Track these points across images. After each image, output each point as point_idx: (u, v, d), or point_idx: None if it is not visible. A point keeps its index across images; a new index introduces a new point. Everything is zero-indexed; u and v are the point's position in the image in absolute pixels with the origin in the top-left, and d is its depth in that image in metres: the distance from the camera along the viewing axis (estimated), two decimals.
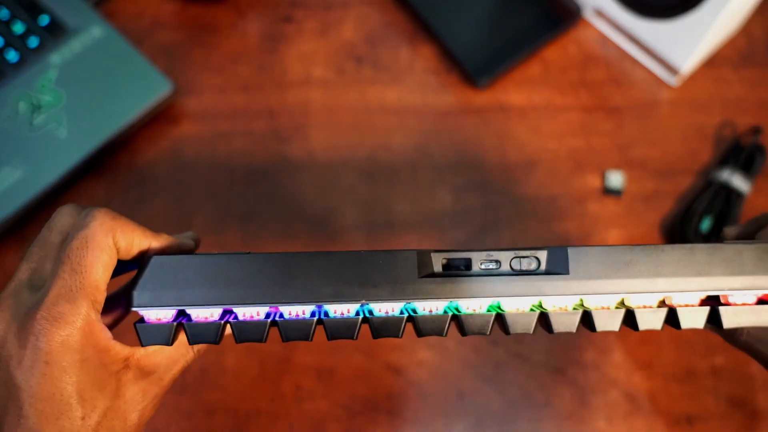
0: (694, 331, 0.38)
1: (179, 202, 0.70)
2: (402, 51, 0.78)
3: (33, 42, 0.71)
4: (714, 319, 0.38)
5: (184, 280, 0.36)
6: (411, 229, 0.70)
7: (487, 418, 0.62)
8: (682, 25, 0.71)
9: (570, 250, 0.37)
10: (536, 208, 0.70)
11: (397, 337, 0.37)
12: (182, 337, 0.37)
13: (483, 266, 0.38)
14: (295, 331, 0.36)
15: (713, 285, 0.37)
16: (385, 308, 0.37)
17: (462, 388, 0.63)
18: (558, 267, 0.37)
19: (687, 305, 0.39)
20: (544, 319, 0.38)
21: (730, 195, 0.68)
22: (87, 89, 0.70)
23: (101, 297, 0.35)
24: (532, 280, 0.37)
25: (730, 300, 0.39)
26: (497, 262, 0.38)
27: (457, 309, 0.37)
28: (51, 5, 0.73)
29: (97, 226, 0.35)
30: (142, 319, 0.37)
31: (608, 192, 0.71)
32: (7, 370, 0.33)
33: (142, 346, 0.36)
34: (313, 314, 0.37)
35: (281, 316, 0.37)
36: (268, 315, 0.37)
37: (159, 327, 0.36)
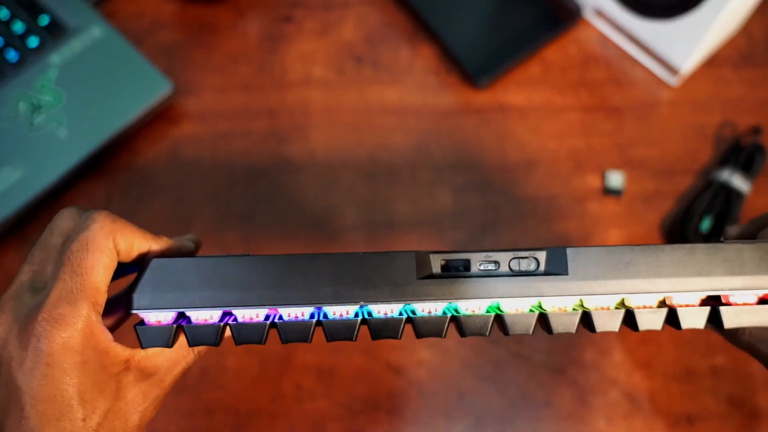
0: (694, 331, 0.38)
1: (179, 202, 0.70)
2: (402, 51, 0.78)
3: (33, 42, 0.71)
4: (715, 319, 0.38)
5: (184, 283, 0.36)
6: (411, 229, 0.70)
7: (487, 418, 0.62)
8: (682, 25, 0.71)
9: (569, 251, 0.37)
10: (536, 208, 0.70)
11: (396, 338, 0.37)
12: (183, 338, 0.37)
13: (482, 267, 0.38)
14: (294, 333, 0.36)
15: (714, 285, 0.37)
16: (384, 310, 0.37)
17: (462, 388, 0.63)
18: (557, 268, 0.37)
19: (687, 305, 0.38)
20: (543, 319, 0.38)
21: (730, 195, 0.68)
22: (87, 89, 0.70)
23: (102, 299, 0.35)
24: (531, 281, 0.37)
25: (731, 300, 0.38)
26: (496, 263, 0.38)
27: (456, 310, 0.37)
28: (51, 5, 0.73)
29: (97, 229, 0.35)
30: (142, 322, 0.37)
31: (608, 192, 0.71)
32: (9, 371, 0.33)
33: (142, 348, 0.36)
34: (312, 316, 0.37)
35: (280, 317, 0.37)
36: (267, 317, 0.37)
37: (159, 329, 0.36)
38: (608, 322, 0.38)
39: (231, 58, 0.77)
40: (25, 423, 0.32)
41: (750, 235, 0.44)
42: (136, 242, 0.37)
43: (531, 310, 0.38)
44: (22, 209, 0.66)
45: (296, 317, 0.37)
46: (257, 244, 0.69)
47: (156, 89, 0.71)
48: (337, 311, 0.37)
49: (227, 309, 0.36)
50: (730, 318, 0.38)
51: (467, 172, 0.72)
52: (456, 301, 0.37)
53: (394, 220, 0.70)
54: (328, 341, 0.37)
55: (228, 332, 0.37)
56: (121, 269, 0.38)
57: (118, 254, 0.36)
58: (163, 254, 0.39)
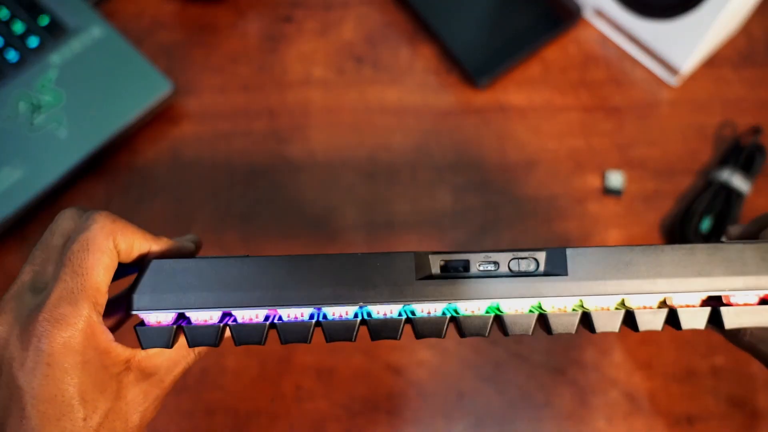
0: (694, 331, 0.38)
1: (179, 202, 0.70)
2: (402, 51, 0.78)
3: (33, 42, 0.71)
4: (715, 320, 0.38)
5: (184, 284, 0.36)
6: (411, 229, 0.70)
7: (487, 418, 0.62)
8: (682, 25, 0.71)
9: (569, 251, 0.37)
10: (536, 208, 0.70)
11: (396, 339, 0.37)
12: (183, 339, 0.37)
13: (481, 268, 0.38)
14: (293, 334, 0.37)
15: (714, 285, 0.37)
16: (383, 310, 0.37)
17: (462, 388, 0.63)
18: (556, 268, 0.37)
19: (688, 306, 0.38)
20: (543, 320, 0.37)
21: (730, 195, 0.68)
22: (87, 89, 0.70)
23: (102, 299, 0.35)
24: (530, 282, 0.37)
25: (732, 300, 0.38)
26: (495, 263, 0.38)
27: (455, 311, 0.37)
28: (51, 5, 0.73)
29: (97, 229, 0.35)
30: (142, 322, 0.37)
31: (608, 192, 0.71)
32: (10, 371, 0.33)
33: (143, 348, 0.37)
34: (311, 316, 0.37)
35: (280, 318, 0.37)
36: (266, 318, 0.37)
37: (159, 330, 0.36)
38: (608, 322, 0.38)
39: (231, 58, 0.77)
40: (26, 423, 0.32)
41: (752, 235, 0.44)
42: (136, 243, 0.37)
43: (531, 311, 0.38)
44: (22, 209, 0.66)
45: (296, 318, 0.37)
46: (257, 244, 0.69)
47: (156, 89, 0.71)
48: (337, 312, 0.37)
49: (227, 310, 0.36)
50: (731, 318, 0.38)
51: (467, 172, 0.72)
52: (455, 301, 0.37)
53: (394, 220, 0.70)
54: (327, 342, 0.37)
55: (228, 333, 0.37)
56: (122, 270, 0.38)
57: (118, 254, 0.36)
58: (163, 255, 0.39)
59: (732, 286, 0.37)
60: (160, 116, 0.74)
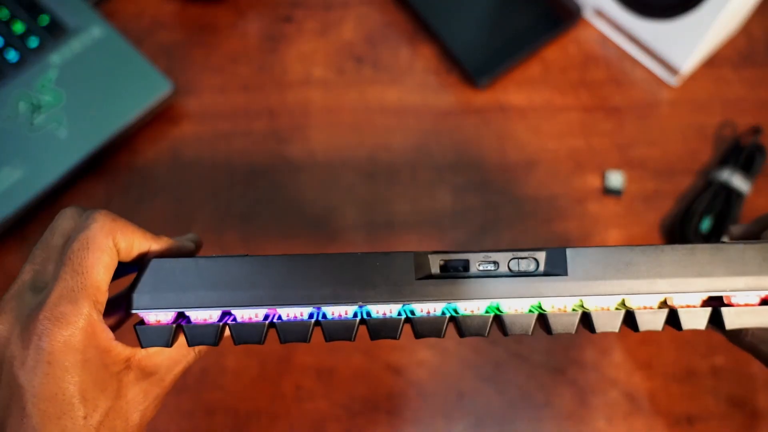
0: (694, 332, 0.38)
1: (179, 202, 0.70)
2: (402, 51, 0.78)
3: (33, 42, 0.71)
4: (716, 320, 0.38)
5: (183, 283, 0.36)
6: (411, 229, 0.70)
7: (487, 418, 0.62)
8: (682, 25, 0.71)
9: (568, 251, 0.37)
10: (536, 208, 0.70)
11: (395, 338, 0.37)
12: (183, 338, 0.37)
13: (481, 267, 0.37)
14: (293, 333, 0.37)
15: (715, 286, 0.37)
16: (382, 310, 0.37)
17: (462, 388, 0.63)
18: (556, 268, 0.37)
19: (688, 306, 0.38)
20: (542, 320, 0.37)
21: (730, 195, 0.68)
22: (87, 89, 0.70)
23: (103, 298, 0.35)
24: (530, 282, 0.37)
25: (733, 301, 0.38)
26: (495, 263, 0.37)
27: (455, 310, 0.37)
28: (51, 5, 0.73)
29: (97, 228, 0.35)
30: (141, 321, 0.37)
31: (608, 192, 0.71)
32: (11, 370, 0.33)
33: (142, 347, 0.37)
34: (311, 316, 0.37)
35: (279, 318, 0.37)
36: (266, 317, 0.37)
37: (158, 329, 0.36)
38: (608, 322, 0.38)
39: (231, 58, 0.78)
40: (27, 421, 0.32)
41: (753, 235, 0.44)
42: (136, 241, 0.37)
43: (530, 311, 0.38)
44: (22, 209, 0.66)
45: (295, 317, 0.37)
46: (257, 244, 0.69)
47: (156, 89, 0.71)
48: (336, 311, 0.37)
49: (226, 309, 0.36)
50: (732, 319, 0.38)
51: (467, 172, 0.72)
52: (455, 301, 0.37)
53: (394, 220, 0.70)
54: (326, 341, 0.37)
55: (227, 332, 0.37)
56: (122, 269, 0.38)
57: (118, 253, 0.36)
58: (163, 254, 0.39)
59: (733, 287, 0.37)
60: (160, 116, 0.74)
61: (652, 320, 0.38)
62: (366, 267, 0.36)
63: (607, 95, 0.76)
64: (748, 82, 0.77)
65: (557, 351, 0.65)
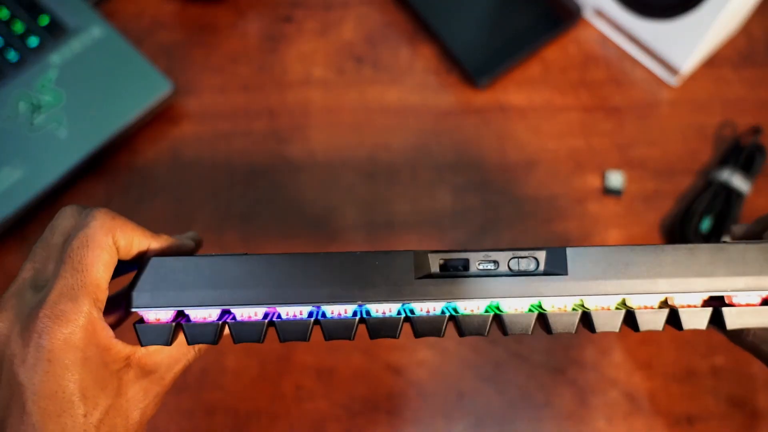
0: (694, 332, 0.38)
1: (179, 202, 0.70)
2: (402, 51, 0.78)
3: (33, 42, 0.71)
4: (717, 320, 0.38)
5: (183, 281, 0.36)
6: (411, 229, 0.70)
7: (487, 418, 0.62)
8: (682, 25, 0.71)
9: (569, 251, 0.37)
10: (536, 208, 0.70)
11: (395, 337, 0.37)
12: (183, 336, 0.37)
13: (481, 267, 0.37)
14: (292, 332, 0.36)
15: (716, 286, 0.37)
16: (382, 309, 0.37)
17: (462, 388, 0.63)
18: (556, 267, 0.37)
19: (689, 306, 0.38)
20: (542, 319, 0.37)
21: (730, 195, 0.68)
22: (87, 89, 0.70)
23: (103, 295, 0.35)
24: (530, 281, 0.37)
25: (734, 301, 0.38)
26: (495, 262, 0.37)
27: (454, 309, 0.37)
28: (51, 5, 0.73)
29: (97, 226, 0.35)
30: (141, 320, 0.37)
31: (608, 192, 0.71)
32: (11, 368, 0.33)
33: (142, 346, 0.37)
34: (310, 315, 0.37)
35: (279, 316, 0.37)
36: (265, 315, 0.37)
37: (158, 327, 0.36)
38: (608, 322, 0.37)
39: (231, 58, 0.78)
40: (27, 419, 0.32)
41: (755, 235, 0.44)
42: (135, 239, 0.37)
43: (530, 310, 0.38)
44: (22, 209, 0.66)
45: (294, 316, 0.37)
46: (257, 244, 0.69)
47: (156, 89, 0.71)
48: (336, 310, 0.37)
49: (226, 307, 0.36)
50: (733, 319, 0.38)
51: (467, 172, 0.72)
52: (454, 300, 0.37)
53: (394, 220, 0.70)
54: (326, 340, 0.37)
55: (227, 331, 0.37)
56: (122, 267, 0.38)
57: (117, 251, 0.36)
58: (162, 252, 0.39)
59: (734, 287, 0.37)
60: (160, 116, 0.74)
61: (652, 320, 0.38)
62: (365, 266, 0.36)
63: (607, 95, 0.76)
64: (748, 82, 0.76)
65: (557, 351, 0.65)
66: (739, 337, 0.42)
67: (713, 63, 0.77)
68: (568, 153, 0.73)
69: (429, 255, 0.37)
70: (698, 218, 0.68)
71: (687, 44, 0.71)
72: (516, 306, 0.38)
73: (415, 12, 0.79)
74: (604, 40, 0.79)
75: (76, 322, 0.33)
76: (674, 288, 0.37)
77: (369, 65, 0.77)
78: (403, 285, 0.36)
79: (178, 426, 0.62)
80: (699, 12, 0.68)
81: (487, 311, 0.37)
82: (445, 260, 0.37)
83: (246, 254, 0.36)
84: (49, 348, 0.32)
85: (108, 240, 0.35)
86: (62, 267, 0.34)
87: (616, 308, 0.38)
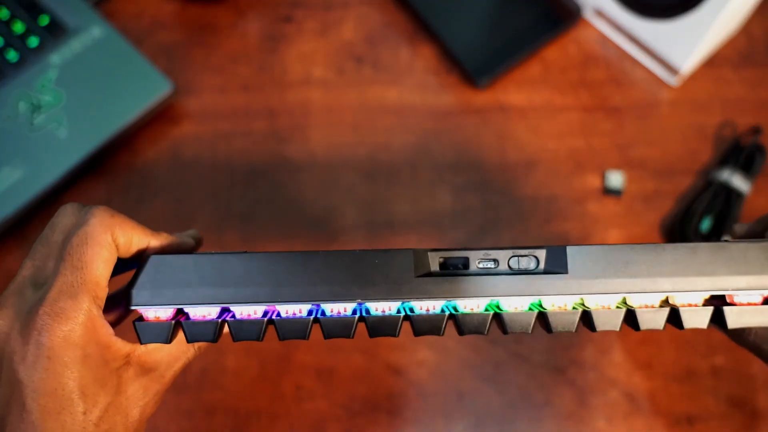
0: (694, 331, 0.38)
1: (179, 202, 0.70)
2: (402, 51, 0.78)
3: (33, 42, 0.71)
4: (718, 320, 0.38)
5: (182, 279, 0.36)
6: (411, 229, 0.69)
7: (487, 418, 0.62)
8: (682, 25, 0.71)
9: (569, 249, 0.37)
10: (536, 208, 0.70)
11: (394, 336, 0.37)
12: (182, 334, 0.37)
13: (481, 265, 0.37)
14: (291, 330, 0.36)
15: (717, 285, 0.37)
16: (381, 307, 0.37)
17: (462, 388, 0.63)
18: (557, 266, 0.37)
19: (690, 305, 0.38)
20: (542, 318, 0.37)
21: (730, 195, 0.68)
22: (87, 89, 0.70)
23: (102, 293, 0.35)
24: (530, 280, 0.37)
25: (736, 300, 0.38)
26: (495, 261, 0.37)
27: (454, 308, 0.37)
28: (51, 5, 0.73)
29: (96, 223, 0.35)
30: (140, 318, 0.37)
31: (608, 192, 0.71)
32: (11, 366, 0.33)
33: (141, 344, 0.37)
34: (309, 313, 0.37)
35: (278, 314, 0.37)
36: (265, 313, 0.37)
37: (157, 325, 0.36)
38: (609, 321, 0.37)
39: (231, 58, 0.78)
40: (27, 417, 0.32)
41: (756, 234, 0.44)
42: (134, 237, 0.37)
43: (530, 309, 0.38)
44: (22, 209, 0.66)
45: (294, 314, 0.37)
46: (257, 244, 0.69)
47: (156, 89, 0.71)
48: (335, 309, 0.37)
49: (225, 305, 0.36)
50: (734, 318, 0.37)
51: (467, 172, 0.72)
52: (454, 299, 0.37)
53: (394, 220, 0.70)
54: (325, 338, 0.37)
55: (226, 329, 0.37)
56: (122, 265, 0.38)
57: (117, 249, 0.36)
58: (162, 250, 0.39)
59: (735, 286, 0.37)
60: (160, 116, 0.74)
61: (653, 319, 0.37)
62: (365, 264, 0.36)
63: (607, 95, 0.76)
64: (748, 82, 0.76)
65: (557, 351, 0.65)
66: (741, 336, 0.42)
67: (713, 63, 0.77)
68: (568, 153, 0.73)
69: (429, 253, 0.37)
70: (698, 218, 0.68)
71: (687, 44, 0.71)
72: (516, 305, 0.38)
73: (415, 12, 0.79)
74: (604, 40, 0.79)
75: (76, 320, 0.33)
76: (675, 287, 0.37)
77: (369, 65, 0.77)
78: (403, 283, 0.36)
79: (178, 426, 0.62)
80: (699, 12, 0.68)
81: (487, 310, 0.37)
82: (445, 258, 0.37)
83: (245, 252, 0.36)
84: (48, 345, 0.33)
85: (107, 237, 0.35)
86: (62, 264, 0.34)
87: (617, 307, 0.38)
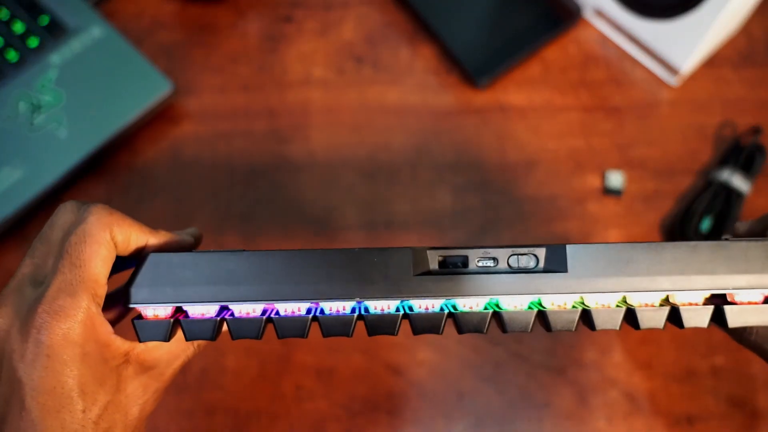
0: (694, 331, 0.38)
1: (179, 202, 0.70)
2: (402, 51, 0.78)
3: (33, 42, 0.71)
4: (719, 318, 0.38)
5: (181, 277, 0.36)
6: (411, 229, 0.69)
7: (487, 418, 0.62)
8: (682, 25, 0.71)
9: (569, 248, 0.37)
10: (536, 208, 0.70)
11: (393, 334, 0.37)
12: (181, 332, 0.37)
13: (480, 264, 0.37)
14: (290, 329, 0.36)
15: (717, 283, 0.37)
16: (380, 306, 0.37)
17: (462, 388, 0.63)
18: (556, 265, 0.37)
19: (690, 304, 0.38)
20: (542, 317, 0.37)
21: (730, 195, 0.68)
22: (87, 89, 0.70)
23: (101, 291, 0.35)
24: (529, 278, 0.37)
25: (736, 299, 0.38)
26: (494, 259, 0.37)
27: (453, 307, 0.37)
28: (51, 5, 0.73)
29: (94, 221, 0.35)
30: (139, 316, 0.37)
31: (608, 192, 0.71)
32: (10, 364, 0.33)
33: (140, 342, 0.37)
34: (308, 311, 0.37)
35: (277, 313, 0.37)
36: (264, 312, 0.37)
37: (156, 323, 0.36)
38: (609, 320, 0.37)
39: (231, 58, 0.78)
40: (26, 415, 0.32)
41: (757, 233, 0.44)
42: (133, 235, 0.37)
43: (530, 308, 0.38)
44: (22, 209, 0.66)
45: (293, 313, 0.37)
46: (257, 244, 0.69)
47: (156, 89, 0.71)
48: (334, 307, 0.37)
49: (224, 304, 0.36)
50: (735, 317, 0.37)
51: (467, 172, 0.72)
52: (453, 297, 0.37)
53: (394, 220, 0.70)
54: (324, 337, 0.37)
55: (225, 327, 0.37)
56: (122, 264, 0.38)
57: (116, 246, 0.36)
58: (161, 248, 0.39)
59: (736, 285, 0.37)
60: (160, 116, 0.74)
61: (653, 318, 0.37)
62: (364, 263, 0.36)
63: (607, 95, 0.76)
64: (748, 82, 0.76)
65: (557, 351, 0.64)
66: (742, 336, 0.42)
67: (713, 63, 0.77)
68: (568, 153, 0.73)
69: (428, 252, 0.37)
70: (698, 218, 0.68)
71: (687, 44, 0.71)
72: (515, 303, 0.38)
73: (415, 12, 0.79)
74: (604, 40, 0.79)
75: (75, 318, 0.33)
76: (675, 286, 0.37)
77: (369, 65, 0.77)
78: (402, 282, 0.36)
79: (178, 426, 0.61)
80: (699, 12, 0.68)
81: (486, 308, 0.37)
82: (444, 257, 0.37)
83: (244, 250, 0.36)
84: (48, 343, 0.33)
85: (105, 235, 0.35)
86: (60, 262, 0.34)
87: (617, 306, 0.38)
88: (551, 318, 0.37)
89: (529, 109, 0.75)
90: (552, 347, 0.65)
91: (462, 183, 0.71)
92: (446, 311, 0.37)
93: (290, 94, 0.76)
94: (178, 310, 0.37)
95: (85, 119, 0.69)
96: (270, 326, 0.37)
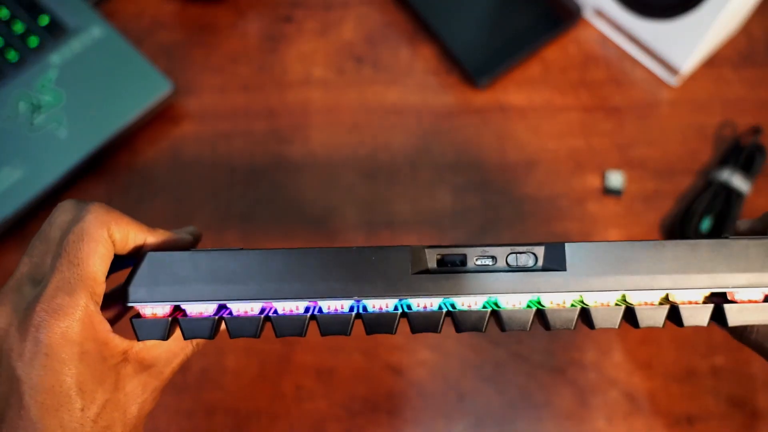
0: (694, 331, 0.38)
1: (179, 202, 0.70)
2: (402, 51, 0.78)
3: (33, 42, 0.72)
4: (718, 317, 0.37)
5: (179, 276, 0.36)
6: (411, 229, 0.69)
7: (487, 418, 0.62)
8: (682, 25, 0.71)
9: (567, 246, 0.37)
10: (536, 208, 0.70)
11: (391, 333, 0.36)
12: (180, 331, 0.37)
13: (478, 262, 0.37)
14: (288, 327, 0.36)
15: (717, 282, 0.37)
16: (378, 304, 0.37)
17: (462, 388, 0.63)
18: (555, 263, 0.37)
19: (690, 302, 0.38)
20: (541, 315, 0.37)
21: (730, 195, 0.68)
22: (87, 89, 0.71)
23: (100, 289, 0.35)
24: (528, 277, 0.37)
25: (737, 297, 0.38)
26: (493, 258, 0.37)
27: (452, 305, 0.37)
28: (51, 5, 0.73)
29: (92, 219, 0.35)
30: (138, 314, 0.37)
31: (608, 192, 0.71)
32: (9, 363, 0.33)
33: (138, 340, 0.37)
34: (306, 310, 0.37)
35: (275, 311, 0.37)
36: (262, 310, 0.37)
37: (154, 322, 0.36)
38: (608, 318, 0.37)
39: (231, 58, 0.78)
40: (25, 413, 0.32)
41: (758, 231, 0.44)
42: (131, 233, 0.37)
43: (529, 306, 0.37)
44: (22, 209, 0.66)
45: (291, 311, 0.37)
46: (257, 244, 0.69)
47: (156, 89, 0.71)
48: (332, 306, 0.37)
49: (222, 302, 0.36)
50: (735, 316, 0.37)
51: (467, 172, 0.72)
52: (452, 296, 0.37)
53: (394, 220, 0.70)
54: (322, 335, 0.37)
55: (223, 326, 0.37)
56: (121, 262, 0.38)
57: (114, 245, 0.36)
58: (159, 247, 0.39)
59: (736, 283, 0.37)
60: (160, 116, 0.74)
61: (652, 316, 0.37)
62: (362, 261, 0.36)
63: (607, 95, 0.76)
64: (748, 82, 0.76)
65: (557, 351, 0.64)
66: (743, 334, 0.42)
67: (713, 63, 0.77)
68: (568, 153, 0.73)
69: (426, 250, 0.37)
70: (698, 218, 0.68)
71: (687, 44, 0.71)
72: (514, 302, 0.38)
73: (415, 12, 0.79)
74: (604, 40, 0.79)
75: (73, 316, 0.33)
76: (675, 284, 0.37)
77: (369, 65, 0.77)
78: (400, 280, 0.36)
79: (178, 426, 0.61)
80: (699, 12, 0.68)
81: (484, 307, 0.37)
82: (443, 255, 0.37)
83: (242, 249, 0.36)
84: (46, 342, 0.33)
85: (103, 233, 0.35)
86: (59, 260, 0.34)
87: (616, 304, 0.38)
88: (550, 316, 0.37)
89: (529, 109, 0.75)
90: (552, 347, 0.65)
91: (462, 183, 0.71)
92: (445, 310, 0.37)
93: (290, 94, 0.76)
94: (177, 309, 0.37)
95: (85, 119, 0.69)
96: (268, 325, 0.37)
